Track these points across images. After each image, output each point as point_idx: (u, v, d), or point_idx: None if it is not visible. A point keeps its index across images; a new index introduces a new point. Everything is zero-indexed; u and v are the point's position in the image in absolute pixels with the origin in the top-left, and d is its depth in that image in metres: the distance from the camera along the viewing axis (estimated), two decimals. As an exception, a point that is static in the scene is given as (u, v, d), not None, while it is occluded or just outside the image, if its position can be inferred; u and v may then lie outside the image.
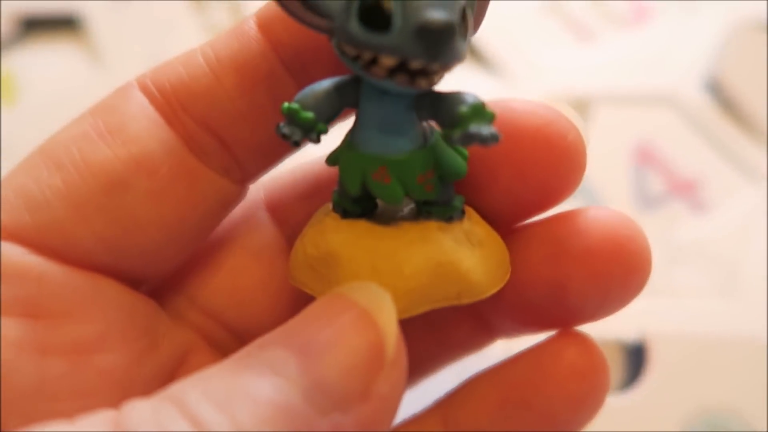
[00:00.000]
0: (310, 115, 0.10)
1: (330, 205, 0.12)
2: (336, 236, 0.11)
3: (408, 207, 0.11)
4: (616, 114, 0.27)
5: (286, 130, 0.10)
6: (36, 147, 0.12)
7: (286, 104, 0.10)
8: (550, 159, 0.11)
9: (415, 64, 0.09)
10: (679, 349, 0.21)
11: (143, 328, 0.12)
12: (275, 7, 0.11)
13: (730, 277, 0.22)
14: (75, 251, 0.11)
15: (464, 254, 0.11)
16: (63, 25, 0.31)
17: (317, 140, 0.10)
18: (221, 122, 0.12)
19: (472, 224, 0.11)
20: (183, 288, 0.13)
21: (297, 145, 0.10)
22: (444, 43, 0.09)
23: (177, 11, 0.31)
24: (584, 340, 0.12)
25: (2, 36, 0.30)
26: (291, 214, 0.13)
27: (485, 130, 0.09)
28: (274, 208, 0.14)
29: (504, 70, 0.27)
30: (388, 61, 0.09)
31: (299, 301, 0.13)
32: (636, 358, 0.21)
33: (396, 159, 0.10)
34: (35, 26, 0.31)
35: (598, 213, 0.12)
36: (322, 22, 0.10)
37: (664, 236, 0.23)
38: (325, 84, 0.10)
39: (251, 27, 0.12)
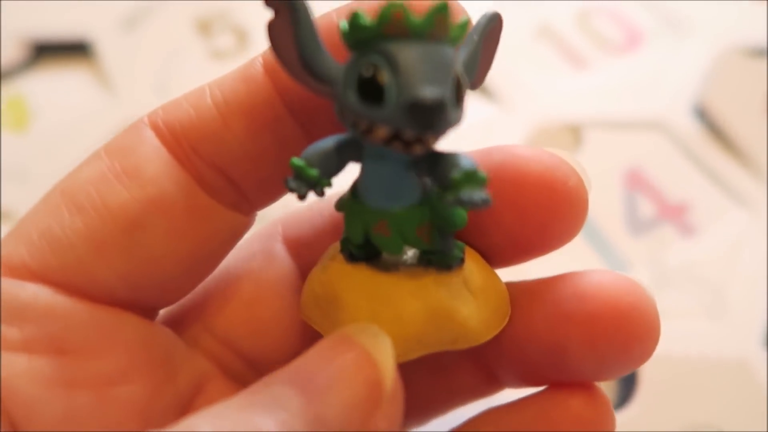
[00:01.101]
0: (314, 172, 0.11)
1: (339, 245, 0.12)
2: (340, 280, 0.12)
3: (412, 252, 0.12)
4: (608, 139, 0.27)
5: (293, 184, 0.11)
6: (56, 186, 0.12)
7: (293, 160, 0.11)
8: (551, 204, 0.12)
9: (408, 135, 0.10)
10: (669, 370, 0.21)
11: (162, 359, 0.12)
12: None
13: (718, 300, 0.23)
14: (97, 289, 0.12)
15: (460, 302, 0.11)
16: (73, 50, 0.32)
17: (321, 194, 0.11)
18: (229, 163, 0.12)
19: (472, 271, 0.12)
20: (200, 316, 0.14)
21: (303, 198, 0.11)
22: (435, 117, 0.09)
23: (184, 36, 0.32)
24: (590, 389, 0.12)
25: (13, 61, 0.31)
26: (307, 248, 0.14)
27: (476, 195, 0.10)
28: (291, 242, 0.14)
29: (498, 95, 0.28)
30: (382, 131, 0.10)
31: (311, 332, 0.13)
32: (627, 378, 0.22)
33: (395, 213, 0.11)
34: (46, 51, 0.32)
35: (602, 278, 0.12)
36: (323, 88, 0.10)
37: (654, 260, 0.24)
38: (330, 142, 0.11)
39: (258, 71, 0.12)
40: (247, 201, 0.13)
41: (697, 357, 0.22)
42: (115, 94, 0.30)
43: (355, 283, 0.11)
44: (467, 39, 0.11)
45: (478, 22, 0.11)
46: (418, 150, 0.10)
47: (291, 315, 0.14)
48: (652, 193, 0.26)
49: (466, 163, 0.10)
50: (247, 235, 0.14)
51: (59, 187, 0.12)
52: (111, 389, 0.12)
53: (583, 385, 0.12)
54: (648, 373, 0.21)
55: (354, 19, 0.10)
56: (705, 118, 0.28)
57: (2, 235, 0.12)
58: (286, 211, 0.14)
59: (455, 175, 0.10)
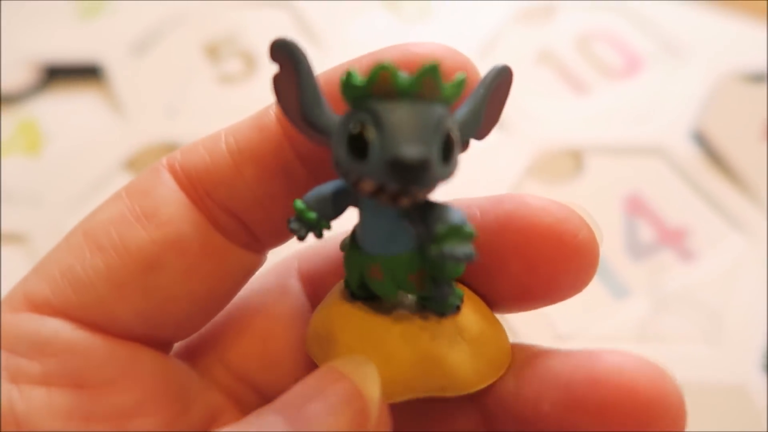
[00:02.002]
0: (313, 215, 0.11)
1: (343, 283, 0.13)
2: (338, 319, 0.12)
3: (410, 296, 0.12)
4: (608, 164, 0.28)
5: (294, 225, 0.11)
6: (78, 225, 0.13)
7: (296, 202, 0.11)
8: (560, 255, 0.12)
9: (392, 189, 0.10)
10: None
11: (177, 393, 0.13)
12: None
13: (717, 325, 0.23)
14: (115, 325, 0.12)
15: (451, 349, 0.11)
16: (84, 74, 0.32)
17: (320, 236, 0.12)
18: (241, 207, 0.13)
19: (469, 318, 0.12)
20: (214, 349, 0.14)
21: (302, 239, 0.12)
22: (418, 175, 0.10)
23: (193, 61, 0.32)
24: None
25: (25, 84, 0.32)
26: (321, 284, 0.14)
27: (459, 250, 0.10)
28: (306, 277, 0.15)
29: (499, 120, 0.29)
30: (368, 185, 0.10)
31: None
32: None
33: (388, 259, 0.11)
34: (57, 75, 0.33)
35: (620, 360, 0.11)
36: (321, 138, 0.11)
37: (654, 284, 0.24)
38: (329, 188, 0.12)
39: (271, 119, 0.13)
40: (258, 242, 0.13)
41: (696, 382, 0.22)
42: (125, 117, 0.31)
43: (351, 323, 0.12)
44: (473, 92, 0.11)
45: (486, 75, 0.11)
46: (405, 203, 0.10)
47: (303, 349, 0.14)
48: (652, 218, 0.26)
49: (454, 216, 0.10)
50: (264, 269, 0.14)
51: (82, 227, 0.13)
52: (128, 422, 0.12)
53: None
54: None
55: (346, 78, 0.10)
56: (703, 143, 0.28)
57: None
58: (303, 246, 0.15)
59: (440, 229, 0.10)
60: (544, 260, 0.12)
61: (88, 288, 0.12)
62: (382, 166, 0.10)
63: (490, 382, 0.12)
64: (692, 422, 0.22)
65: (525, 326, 0.23)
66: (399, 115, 0.10)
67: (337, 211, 0.12)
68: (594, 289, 0.24)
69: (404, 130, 0.10)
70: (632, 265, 0.25)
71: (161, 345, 0.13)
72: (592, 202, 0.26)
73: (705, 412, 0.22)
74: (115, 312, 0.12)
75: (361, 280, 0.12)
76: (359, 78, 0.10)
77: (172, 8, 0.34)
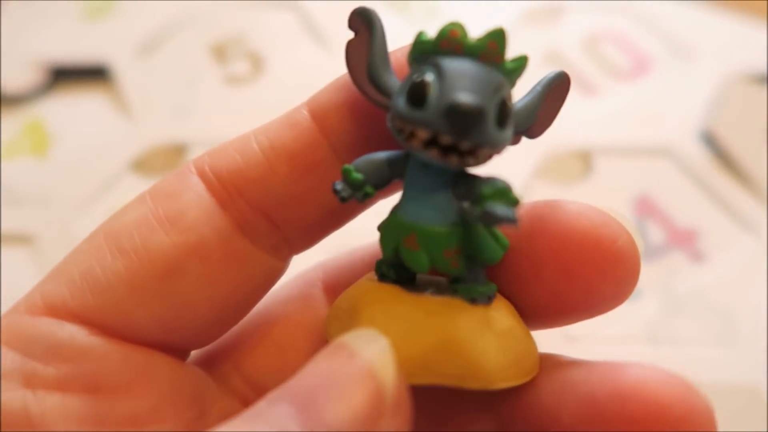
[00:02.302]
0: (359, 176, 0.11)
1: (373, 270, 0.12)
2: (364, 294, 0.12)
3: (441, 281, 0.12)
4: (617, 165, 0.28)
5: (338, 186, 0.11)
6: (100, 227, 0.13)
7: (345, 165, 0.12)
8: (597, 262, 0.11)
9: (445, 139, 0.10)
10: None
11: (192, 399, 0.13)
12: (327, 98, 0.12)
13: (728, 327, 0.23)
14: (132, 331, 0.12)
15: (478, 338, 0.11)
16: (91, 74, 0.32)
17: (362, 199, 0.12)
18: (274, 206, 0.12)
19: (501, 312, 0.11)
20: (232, 356, 0.14)
21: (344, 201, 0.11)
22: (471, 124, 0.10)
23: (199, 62, 0.32)
24: None
25: (32, 85, 0.32)
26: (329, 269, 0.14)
27: (501, 210, 0.10)
28: (330, 288, 0.14)
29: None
30: (422, 134, 0.10)
31: None
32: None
33: (425, 228, 0.11)
34: (64, 76, 0.33)
35: (643, 374, 0.10)
36: (381, 99, 0.11)
37: (664, 286, 0.24)
38: (381, 154, 0.12)
39: (305, 117, 0.12)
40: (286, 244, 0.13)
41: (707, 383, 0.22)
42: (132, 118, 0.31)
43: (376, 297, 0.12)
44: (531, 89, 0.12)
45: (545, 77, 0.12)
46: (454, 161, 0.10)
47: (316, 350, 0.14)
48: (662, 219, 0.26)
49: (499, 182, 0.11)
50: (287, 279, 0.14)
51: (103, 229, 0.13)
52: (142, 428, 0.12)
53: None
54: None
55: (417, 35, 0.11)
56: (713, 144, 0.28)
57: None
58: (329, 259, 0.15)
59: (486, 189, 0.10)
60: (580, 267, 0.11)
61: (107, 291, 0.12)
62: (438, 113, 0.10)
63: (513, 383, 0.11)
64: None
65: (535, 328, 0.23)
66: (461, 68, 0.10)
67: (383, 179, 0.12)
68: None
69: (463, 80, 0.10)
70: (643, 266, 0.25)
71: (178, 352, 0.13)
72: (601, 204, 0.26)
73: (717, 414, 0.21)
74: (134, 316, 0.12)
75: (395, 253, 0.12)
76: (428, 35, 0.11)
77: (179, 9, 0.34)
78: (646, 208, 0.27)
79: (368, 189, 0.11)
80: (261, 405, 0.10)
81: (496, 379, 0.11)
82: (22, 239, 0.26)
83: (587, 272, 0.11)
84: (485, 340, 0.11)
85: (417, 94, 0.10)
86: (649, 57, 0.32)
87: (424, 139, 0.10)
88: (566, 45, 0.32)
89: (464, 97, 0.10)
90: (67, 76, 0.33)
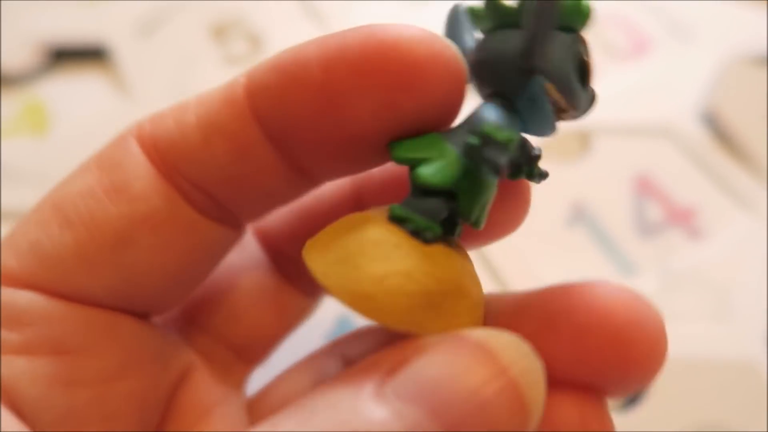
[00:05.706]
0: (511, 134, 0.10)
1: (377, 231, 0.10)
2: (454, 265, 0.10)
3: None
4: (616, 145, 0.28)
5: (489, 153, 0.10)
6: (47, 197, 0.12)
7: (483, 126, 0.11)
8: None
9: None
10: (675, 372, 0.22)
11: (156, 354, 0.13)
12: (262, 76, 0.12)
13: (724, 303, 0.23)
14: (86, 300, 0.12)
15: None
16: (91, 55, 0.32)
17: (534, 177, 0.12)
18: (210, 183, 0.12)
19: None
20: (182, 307, 0.14)
21: (498, 172, 0.11)
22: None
23: (199, 42, 0.32)
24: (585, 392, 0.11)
25: (31, 66, 0.32)
26: (275, 235, 0.15)
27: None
28: (259, 231, 0.15)
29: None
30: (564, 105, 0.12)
31: (287, 314, 0.14)
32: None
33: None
34: (63, 56, 0.33)
35: (600, 290, 0.10)
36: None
37: (662, 263, 0.24)
38: (497, 110, 0.12)
39: (239, 94, 0.12)
40: (233, 217, 0.13)
41: (703, 359, 0.22)
42: (132, 99, 0.31)
43: (461, 265, 0.11)
44: None
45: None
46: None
47: (265, 298, 0.14)
48: (661, 197, 0.26)
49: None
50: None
51: (51, 199, 0.12)
52: (110, 385, 0.12)
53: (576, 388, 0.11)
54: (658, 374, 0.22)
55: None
56: (712, 124, 0.28)
57: (4, 236, 0.12)
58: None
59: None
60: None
61: (56, 263, 0.12)
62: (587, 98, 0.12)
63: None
64: (700, 397, 0.22)
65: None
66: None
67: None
68: (602, 266, 0.24)
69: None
70: (640, 243, 0.25)
71: (139, 315, 0.13)
72: (600, 182, 0.26)
73: (713, 388, 0.22)
74: (86, 287, 0.12)
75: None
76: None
77: (178, -10, 0.34)
78: (645, 186, 0.27)
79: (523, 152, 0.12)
80: (391, 400, 0.09)
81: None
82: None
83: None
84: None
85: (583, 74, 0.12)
86: (649, 38, 0.32)
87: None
88: (566, 26, 0.32)
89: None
90: (67, 56, 0.33)
